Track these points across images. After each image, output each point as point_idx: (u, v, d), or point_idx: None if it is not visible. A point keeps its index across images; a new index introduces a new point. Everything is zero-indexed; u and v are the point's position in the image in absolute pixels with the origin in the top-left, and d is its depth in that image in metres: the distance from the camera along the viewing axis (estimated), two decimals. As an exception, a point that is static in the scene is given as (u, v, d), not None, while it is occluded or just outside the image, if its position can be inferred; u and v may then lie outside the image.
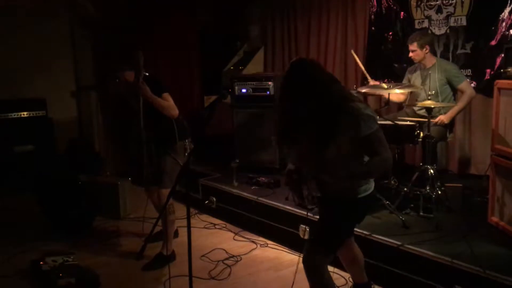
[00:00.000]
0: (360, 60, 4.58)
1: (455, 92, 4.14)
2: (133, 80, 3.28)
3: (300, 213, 3.73)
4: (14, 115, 5.59)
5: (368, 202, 2.48)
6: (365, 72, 4.42)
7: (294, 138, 2.35)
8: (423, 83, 4.13)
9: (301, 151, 2.38)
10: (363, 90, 4.01)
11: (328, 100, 2.19)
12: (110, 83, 3.45)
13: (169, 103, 3.42)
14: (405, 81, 4.40)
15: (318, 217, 2.57)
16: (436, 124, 3.93)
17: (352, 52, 4.65)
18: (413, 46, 4.10)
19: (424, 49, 4.07)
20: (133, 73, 3.31)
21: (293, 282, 2.85)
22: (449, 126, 4.11)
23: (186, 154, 3.57)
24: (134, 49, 3.26)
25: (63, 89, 6.23)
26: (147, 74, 3.36)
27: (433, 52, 4.52)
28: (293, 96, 2.23)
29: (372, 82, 4.37)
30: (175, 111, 3.44)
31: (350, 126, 2.19)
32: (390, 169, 2.29)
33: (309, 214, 2.68)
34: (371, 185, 2.44)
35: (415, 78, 4.24)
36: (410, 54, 4.14)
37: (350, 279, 2.94)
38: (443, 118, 3.94)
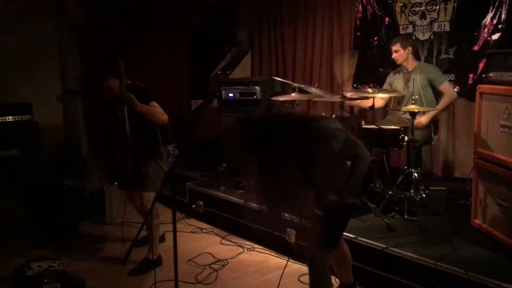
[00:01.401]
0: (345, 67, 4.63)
1: (438, 95, 4.20)
2: (117, 89, 3.27)
3: (287, 217, 3.73)
4: (-1, 119, 5.54)
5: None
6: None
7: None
8: (405, 85, 4.20)
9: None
10: (348, 95, 4.05)
11: (293, 132, 2.23)
12: (95, 90, 3.42)
13: (157, 110, 3.42)
14: (385, 86, 4.46)
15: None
16: (416, 127, 3.97)
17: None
18: (396, 47, 4.19)
19: (407, 50, 4.16)
20: (117, 81, 3.30)
21: (279, 285, 2.86)
22: (434, 129, 4.17)
23: (170, 159, 3.58)
24: (116, 56, 3.25)
25: (49, 93, 6.18)
26: (129, 82, 3.35)
27: (417, 57, 4.59)
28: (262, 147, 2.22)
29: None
30: (164, 116, 3.44)
31: (323, 147, 2.26)
32: (370, 161, 2.41)
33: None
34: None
35: (397, 80, 4.30)
36: (394, 55, 4.23)
37: (337, 280, 2.96)
38: (421, 120, 3.99)
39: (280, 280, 2.84)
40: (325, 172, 2.30)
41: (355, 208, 2.62)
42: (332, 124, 2.31)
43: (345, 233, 3.26)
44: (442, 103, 4.06)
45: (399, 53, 4.20)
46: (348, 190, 2.29)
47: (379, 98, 4.31)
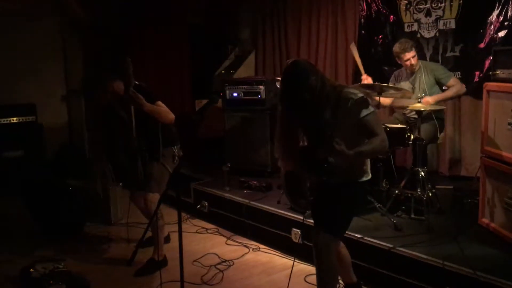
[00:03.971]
0: (350, 65, 4.58)
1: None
2: (123, 91, 3.25)
3: (293, 216, 3.73)
4: (4, 120, 5.55)
5: (367, 188, 2.66)
6: (360, 66, 4.34)
7: (295, 134, 2.49)
8: (412, 86, 4.15)
9: (303, 146, 2.48)
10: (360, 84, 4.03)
11: (325, 89, 2.32)
12: (98, 93, 3.39)
13: (165, 108, 3.40)
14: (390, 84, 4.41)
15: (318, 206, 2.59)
16: (424, 112, 3.91)
17: (351, 47, 4.51)
18: (412, 52, 4.07)
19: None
20: (121, 83, 3.28)
21: (288, 285, 2.84)
22: (440, 126, 4.13)
23: (175, 160, 3.56)
24: (122, 56, 3.22)
25: (53, 94, 6.19)
26: (137, 83, 3.34)
27: (422, 56, 4.55)
28: (294, 90, 2.32)
29: (365, 76, 4.33)
30: (171, 115, 3.42)
31: (348, 109, 2.28)
32: (386, 149, 2.43)
33: (305, 220, 2.71)
34: (369, 172, 2.57)
35: (404, 87, 4.24)
36: (412, 62, 4.06)
37: (341, 281, 2.94)
38: (428, 98, 3.93)
39: (289, 281, 2.81)
40: (341, 134, 2.28)
41: (362, 207, 2.61)
42: (362, 94, 2.33)
43: (351, 233, 3.26)
44: (449, 91, 4.03)
45: (415, 57, 4.10)
46: (356, 153, 2.27)
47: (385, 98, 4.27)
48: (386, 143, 2.37)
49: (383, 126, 3.72)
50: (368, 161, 2.58)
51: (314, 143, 2.49)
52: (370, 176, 2.57)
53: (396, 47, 4.12)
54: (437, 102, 3.96)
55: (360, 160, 2.48)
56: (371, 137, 2.35)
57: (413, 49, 4.09)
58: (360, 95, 2.29)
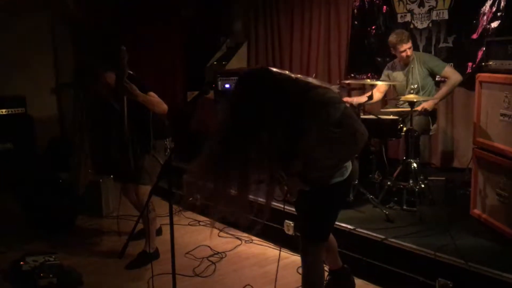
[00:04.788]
0: (343, 56, 4.55)
1: (437, 84, 4.15)
2: (115, 81, 3.20)
3: (285, 208, 3.71)
4: (-7, 112, 5.48)
5: (345, 187, 2.49)
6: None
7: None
8: (405, 77, 4.14)
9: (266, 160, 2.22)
10: (347, 82, 4.02)
11: (291, 96, 2.12)
12: (90, 84, 3.34)
13: (158, 99, 3.36)
14: (383, 77, 4.40)
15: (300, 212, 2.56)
16: (420, 113, 3.94)
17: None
18: (409, 44, 4.05)
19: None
20: (113, 74, 3.23)
21: (276, 278, 2.82)
22: (432, 118, 4.13)
23: (167, 152, 3.53)
24: (118, 46, 3.16)
25: (43, 86, 6.11)
26: (130, 72, 3.29)
27: (416, 46, 4.54)
28: (256, 102, 2.08)
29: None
30: (164, 106, 3.38)
31: (318, 114, 2.12)
32: (366, 140, 2.23)
33: (285, 207, 2.62)
34: (348, 170, 2.37)
35: (398, 77, 4.23)
36: (408, 53, 4.05)
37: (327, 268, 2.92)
38: (425, 105, 3.94)
39: (277, 273, 2.78)
40: (315, 141, 2.15)
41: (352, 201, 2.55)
42: (330, 93, 2.17)
43: (343, 224, 3.27)
44: (446, 87, 4.02)
45: (411, 48, 4.08)
46: (334, 164, 2.17)
47: (377, 91, 4.27)
48: (365, 136, 2.18)
49: (376, 117, 3.73)
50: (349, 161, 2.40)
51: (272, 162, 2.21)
52: (347, 175, 2.35)
53: (393, 38, 4.09)
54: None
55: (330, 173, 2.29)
56: (350, 134, 2.14)
57: (410, 40, 4.07)
58: (329, 95, 2.14)
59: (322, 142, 2.16)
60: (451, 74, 4.03)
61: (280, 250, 2.98)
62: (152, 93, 3.36)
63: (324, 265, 2.66)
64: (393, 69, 4.29)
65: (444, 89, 4.02)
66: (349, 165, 2.39)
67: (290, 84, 2.19)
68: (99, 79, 3.32)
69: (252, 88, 2.12)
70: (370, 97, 3.95)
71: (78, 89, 5.60)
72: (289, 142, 2.15)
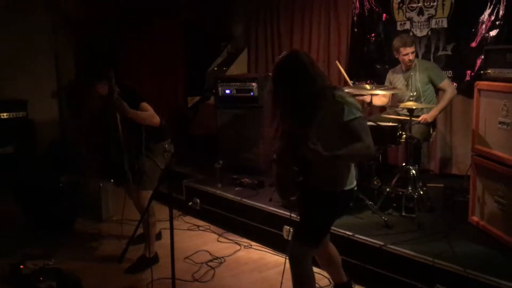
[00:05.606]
0: (342, 63, 4.60)
1: (437, 92, 4.19)
2: (107, 97, 3.22)
3: (284, 214, 3.73)
4: (-6, 116, 5.50)
5: (349, 198, 2.52)
6: (347, 79, 4.38)
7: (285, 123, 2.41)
8: (406, 83, 4.17)
9: (287, 139, 2.42)
10: (346, 90, 4.03)
11: (313, 87, 2.29)
12: (84, 93, 3.40)
13: (148, 113, 3.37)
14: (386, 81, 4.44)
15: (299, 217, 2.58)
16: (419, 122, 3.97)
17: (337, 62, 4.63)
18: (412, 48, 4.09)
19: None
20: (105, 85, 3.24)
21: (281, 283, 2.82)
22: (432, 125, 4.16)
23: (165, 156, 3.54)
24: (106, 67, 3.19)
25: (45, 90, 6.14)
26: (118, 90, 3.31)
27: (415, 54, 4.55)
28: (284, 81, 2.31)
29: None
30: (156, 119, 3.40)
31: (333, 111, 2.25)
32: (371, 156, 2.37)
33: (292, 215, 2.68)
34: (353, 181, 2.47)
35: (398, 80, 4.27)
36: (410, 57, 4.08)
37: (331, 280, 2.94)
38: (426, 117, 3.98)
39: (282, 278, 2.78)
40: (323, 135, 2.24)
41: (350, 207, 2.56)
42: (352, 99, 2.30)
43: (342, 230, 3.27)
44: (444, 101, 4.05)
45: (414, 53, 4.12)
46: (331, 155, 2.21)
47: (381, 96, 4.29)
48: (370, 150, 2.28)
49: (375, 124, 3.75)
50: (352, 171, 2.47)
51: (293, 140, 2.38)
52: (352, 186, 2.46)
53: (397, 41, 4.14)
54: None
55: (339, 164, 2.37)
56: (355, 142, 2.24)
57: (413, 45, 4.12)
58: (349, 99, 2.27)
59: (320, 133, 2.25)
60: (448, 87, 4.08)
61: (286, 258, 2.98)
62: (144, 104, 3.37)
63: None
64: (395, 72, 4.34)
65: (442, 104, 4.06)
66: (353, 177, 2.46)
67: (320, 72, 2.42)
68: (92, 93, 3.36)
69: (292, 61, 2.35)
70: (369, 103, 3.98)
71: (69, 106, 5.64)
72: (303, 127, 2.28)
